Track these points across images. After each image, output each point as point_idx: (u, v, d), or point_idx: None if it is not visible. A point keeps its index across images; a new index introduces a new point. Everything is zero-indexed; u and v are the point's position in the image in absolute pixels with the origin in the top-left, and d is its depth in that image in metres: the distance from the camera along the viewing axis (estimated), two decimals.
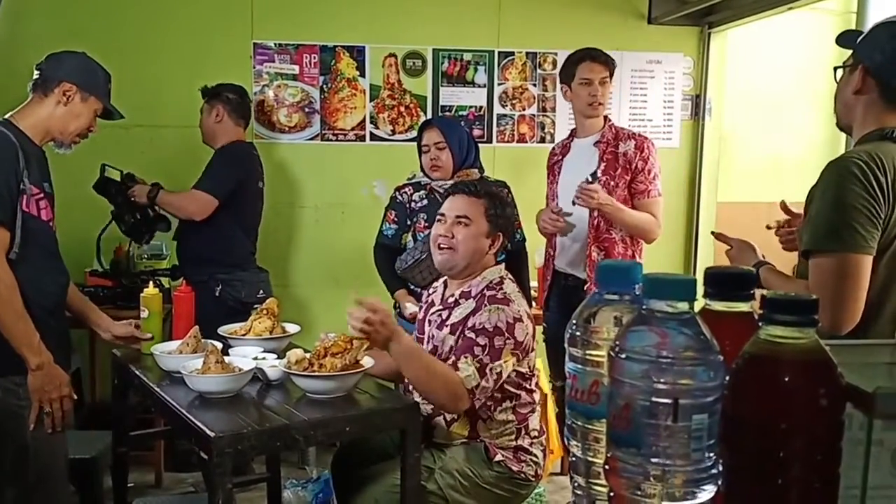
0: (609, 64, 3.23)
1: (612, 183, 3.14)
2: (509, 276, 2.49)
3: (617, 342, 0.67)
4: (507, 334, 2.26)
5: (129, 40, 4.08)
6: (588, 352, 0.76)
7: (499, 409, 2.38)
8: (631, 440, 0.64)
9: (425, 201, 3.30)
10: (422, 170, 3.37)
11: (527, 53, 4.49)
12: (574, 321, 0.79)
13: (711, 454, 0.65)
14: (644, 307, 0.67)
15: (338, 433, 2.27)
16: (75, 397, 2.42)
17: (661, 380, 0.62)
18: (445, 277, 2.57)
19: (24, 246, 2.35)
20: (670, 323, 0.66)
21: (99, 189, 3.60)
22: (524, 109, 4.54)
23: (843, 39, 1.96)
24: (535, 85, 4.53)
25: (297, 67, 4.29)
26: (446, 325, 2.41)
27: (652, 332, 0.65)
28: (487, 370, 2.23)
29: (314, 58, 4.30)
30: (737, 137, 4.78)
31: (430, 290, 2.66)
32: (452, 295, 2.48)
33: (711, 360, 0.65)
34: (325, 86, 4.33)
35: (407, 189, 3.37)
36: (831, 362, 0.63)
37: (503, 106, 4.50)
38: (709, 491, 0.65)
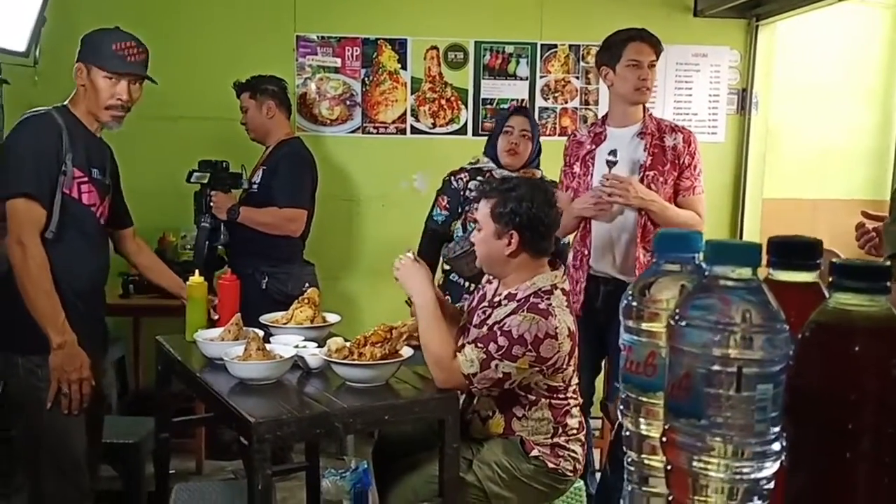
0: (658, 46, 3.01)
1: (660, 179, 2.93)
2: (564, 285, 2.40)
3: (678, 310, 0.65)
4: (529, 346, 2.20)
5: (174, 33, 4.13)
6: (645, 323, 0.74)
7: (534, 408, 2.36)
8: (691, 410, 0.62)
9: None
10: (486, 154, 3.28)
11: (570, 46, 4.45)
12: (630, 292, 0.77)
13: (775, 427, 0.62)
14: (707, 274, 0.65)
15: (377, 421, 2.27)
16: (93, 384, 2.42)
17: (725, 346, 0.60)
18: None
19: (61, 227, 2.39)
20: (734, 290, 0.63)
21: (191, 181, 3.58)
22: (566, 102, 4.50)
23: None
24: (577, 78, 4.49)
25: (339, 60, 4.31)
26: (486, 324, 2.38)
27: (715, 299, 0.63)
28: (492, 364, 2.20)
29: (356, 50, 4.31)
30: (784, 132, 4.68)
31: (485, 281, 2.61)
32: (499, 294, 2.44)
33: (777, 327, 0.63)
34: (366, 78, 4.33)
35: (463, 175, 3.29)
36: None
37: (545, 99, 4.47)
38: (772, 465, 0.62)
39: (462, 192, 3.26)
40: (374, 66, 4.33)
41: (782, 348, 0.62)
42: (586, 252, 3.02)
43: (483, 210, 2.39)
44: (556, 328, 2.24)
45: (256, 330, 2.39)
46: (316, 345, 2.43)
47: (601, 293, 3.01)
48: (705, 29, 4.53)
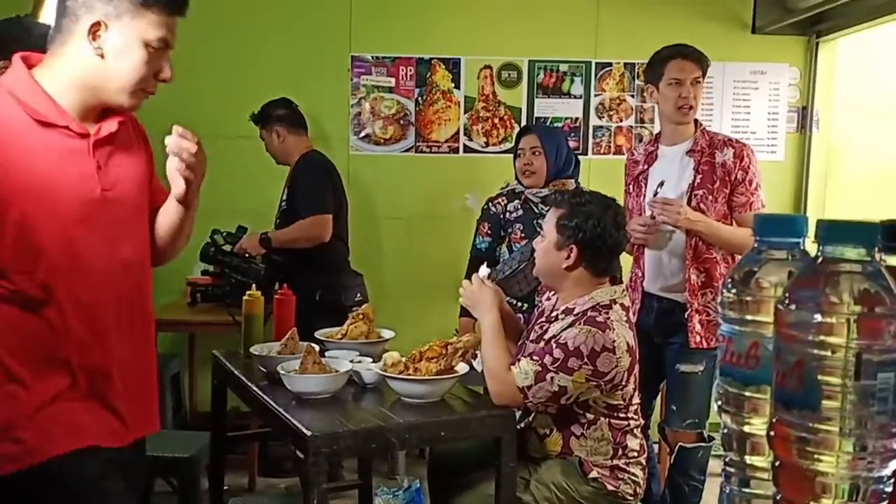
0: (702, 62, 2.92)
1: (709, 197, 2.84)
2: (624, 301, 2.35)
3: (788, 294, 0.61)
4: (586, 359, 2.15)
5: (233, 54, 4.21)
6: (748, 313, 0.69)
7: (593, 427, 2.30)
8: (804, 401, 0.57)
9: (520, 211, 3.24)
10: (515, 177, 3.32)
11: (625, 64, 4.42)
12: (729, 280, 0.73)
13: None
14: (819, 256, 0.61)
15: (432, 437, 2.24)
16: None
17: (841, 334, 0.56)
18: None
19: None
20: (850, 272, 0.59)
21: (209, 261, 3.68)
22: (621, 121, 4.45)
23: None
24: (632, 96, 4.45)
25: (393, 80, 4.33)
26: (543, 339, 2.35)
27: (829, 281, 0.59)
28: (547, 377, 2.16)
29: (410, 70, 4.33)
30: (846, 151, 4.56)
31: (544, 298, 2.58)
32: (557, 309, 2.40)
33: None
34: (420, 98, 4.35)
35: (500, 200, 3.31)
36: None
37: (599, 117, 4.43)
38: (895, 462, 0.58)
39: (502, 216, 3.28)
40: (428, 86, 4.34)
41: None
42: (640, 273, 3.00)
43: (550, 219, 2.36)
44: (615, 342, 2.19)
45: (312, 345, 2.39)
46: (371, 360, 2.42)
47: (655, 312, 2.97)
48: (764, 46, 4.46)
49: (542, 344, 2.31)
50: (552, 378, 2.16)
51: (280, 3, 4.25)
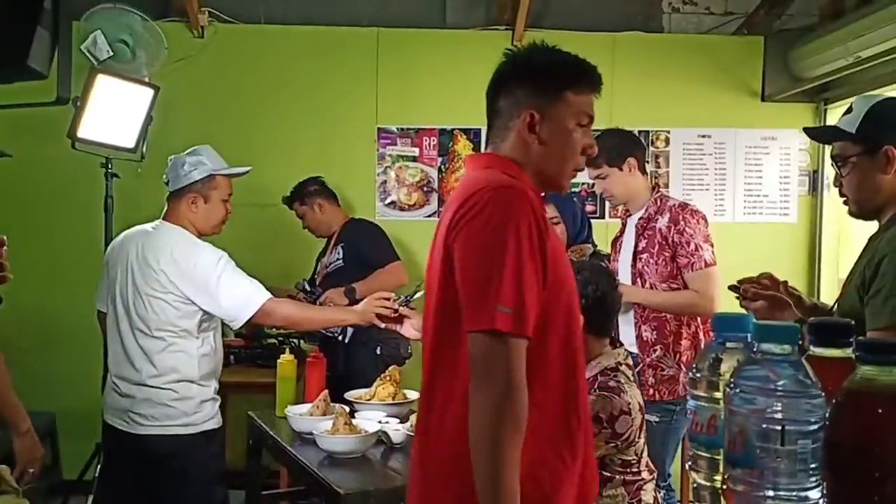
0: (594, 162, 3.00)
1: (651, 261, 3.03)
2: (627, 361, 2.47)
3: (733, 379, 0.77)
4: (606, 424, 2.26)
5: (265, 126, 4.46)
6: (706, 391, 0.85)
7: (609, 484, 2.40)
8: (745, 462, 0.73)
9: None
10: None
11: (639, 132, 4.59)
12: (695, 365, 0.89)
13: (815, 477, 0.72)
14: (755, 350, 0.77)
15: None
16: None
17: (771, 409, 0.71)
18: None
19: None
20: (779, 362, 0.75)
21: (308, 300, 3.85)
22: None
23: (826, 135, 2.02)
24: (647, 162, 4.61)
25: (417, 150, 4.56)
26: None
27: (763, 370, 0.75)
28: None
29: (433, 140, 4.55)
30: None
31: None
32: None
33: (813, 392, 0.74)
34: (442, 166, 4.56)
35: None
36: None
37: None
38: None
39: None
40: (450, 155, 4.56)
41: (818, 411, 0.73)
42: None
43: None
44: (629, 403, 2.31)
45: (343, 406, 2.54)
46: (398, 420, 2.55)
47: None
48: (774, 113, 4.62)
49: None
50: None
51: (310, 79, 4.51)
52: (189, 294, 2.56)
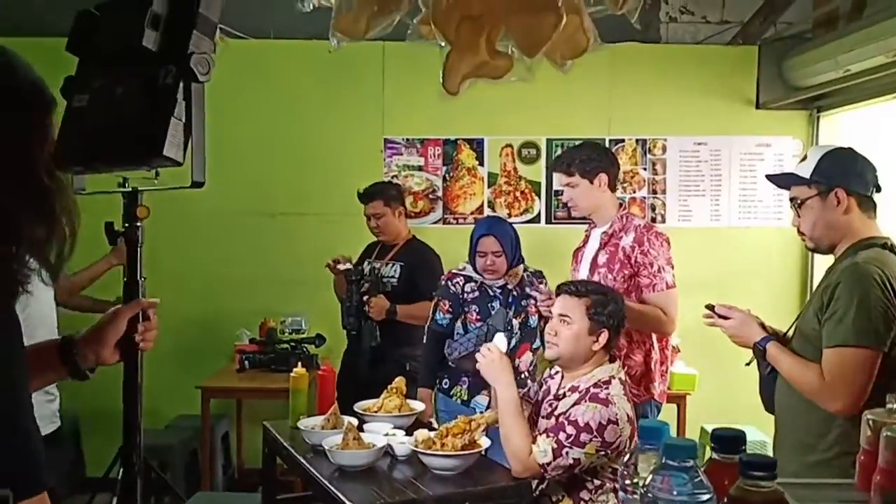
0: (569, 169, 3.17)
1: (609, 276, 3.08)
2: (621, 376, 2.64)
3: (646, 483, 0.97)
4: (595, 433, 2.44)
5: (276, 137, 4.65)
6: (630, 487, 1.04)
7: (599, 492, 2.59)
8: None
9: (476, 293, 3.46)
10: (473, 267, 3.48)
11: (636, 140, 4.75)
12: (622, 466, 1.09)
13: None
14: (663, 460, 0.97)
15: None
16: None
17: None
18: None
19: None
20: (680, 471, 0.96)
21: (350, 279, 3.85)
22: (635, 192, 4.78)
23: (784, 181, 2.32)
24: (645, 169, 4.77)
25: (422, 159, 4.73)
26: (553, 416, 2.65)
27: (669, 475, 0.94)
28: (563, 452, 2.44)
29: (438, 150, 4.73)
30: None
31: (549, 376, 2.88)
32: (563, 388, 2.71)
33: (703, 497, 0.94)
34: (447, 175, 4.74)
35: (459, 280, 3.51)
36: None
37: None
38: None
39: (461, 296, 3.49)
40: (454, 164, 4.73)
41: None
42: None
43: (577, 307, 2.62)
44: (617, 414, 2.49)
45: (352, 419, 2.73)
46: (403, 431, 2.75)
47: None
48: (768, 120, 4.76)
49: (552, 420, 2.62)
50: (567, 452, 2.46)
51: (319, 92, 4.67)
52: None
